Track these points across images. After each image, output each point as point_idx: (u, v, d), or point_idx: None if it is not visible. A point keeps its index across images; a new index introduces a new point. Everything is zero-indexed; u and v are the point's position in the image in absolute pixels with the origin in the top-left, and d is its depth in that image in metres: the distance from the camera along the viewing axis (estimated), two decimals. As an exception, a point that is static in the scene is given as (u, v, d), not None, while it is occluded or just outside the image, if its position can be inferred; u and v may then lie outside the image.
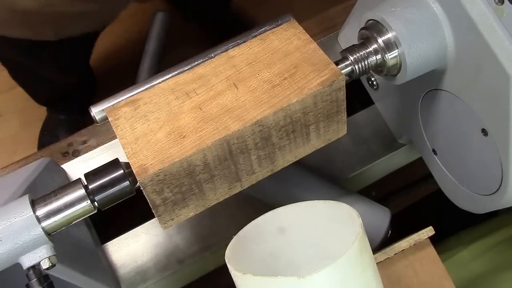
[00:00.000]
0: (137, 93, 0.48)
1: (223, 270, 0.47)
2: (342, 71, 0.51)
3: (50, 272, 0.46)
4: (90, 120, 0.48)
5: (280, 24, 0.50)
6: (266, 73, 0.47)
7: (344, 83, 0.47)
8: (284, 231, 0.52)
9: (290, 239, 0.52)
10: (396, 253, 0.58)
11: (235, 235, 0.50)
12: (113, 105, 0.47)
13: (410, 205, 0.90)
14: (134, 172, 0.43)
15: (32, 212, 0.44)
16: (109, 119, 0.46)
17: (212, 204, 0.49)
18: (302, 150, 0.50)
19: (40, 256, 0.44)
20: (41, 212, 0.44)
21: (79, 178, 0.46)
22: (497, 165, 0.51)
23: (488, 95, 0.48)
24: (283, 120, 0.45)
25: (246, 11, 1.45)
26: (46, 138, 1.35)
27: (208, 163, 0.44)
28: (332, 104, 0.47)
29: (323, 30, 0.78)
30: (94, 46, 1.16)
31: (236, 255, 0.47)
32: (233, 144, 0.44)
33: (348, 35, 0.73)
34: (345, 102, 0.48)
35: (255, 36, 0.50)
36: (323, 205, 0.51)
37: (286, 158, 0.50)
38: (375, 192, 0.78)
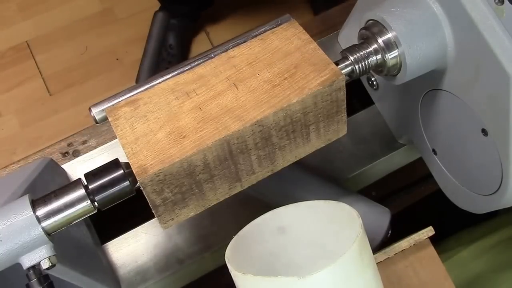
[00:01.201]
0: (137, 93, 0.48)
1: (223, 270, 0.47)
2: (342, 71, 0.51)
3: (50, 272, 0.46)
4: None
5: (280, 24, 0.50)
6: (266, 73, 0.47)
7: (344, 83, 0.47)
8: (284, 231, 0.52)
9: (290, 239, 0.52)
10: (396, 253, 0.58)
11: (235, 235, 0.50)
12: (113, 105, 0.47)
13: (410, 205, 0.90)
14: (134, 172, 0.43)
15: (32, 212, 0.44)
16: (109, 119, 0.46)
17: (212, 204, 0.49)
18: (302, 150, 0.50)
19: (40, 256, 0.44)
20: (41, 212, 0.44)
21: (79, 178, 0.46)
22: (497, 165, 0.51)
23: (488, 95, 0.48)
24: (283, 120, 0.45)
25: (246, 11, 1.45)
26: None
27: (208, 163, 0.44)
28: (332, 104, 0.47)
29: (323, 30, 0.79)
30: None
31: (236, 255, 0.47)
32: (233, 144, 0.44)
33: (348, 35, 0.73)
34: (345, 102, 0.48)
35: (255, 36, 0.50)
36: (323, 205, 0.51)
37: (286, 158, 0.50)
38: (375, 192, 0.78)
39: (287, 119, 0.46)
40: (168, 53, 1.34)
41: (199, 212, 0.48)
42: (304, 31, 0.49)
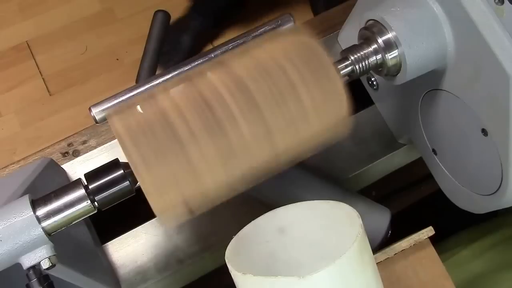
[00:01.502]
0: (137, 93, 0.48)
1: (223, 270, 0.47)
2: (342, 71, 0.51)
3: (50, 272, 0.46)
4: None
5: (281, 24, 0.50)
6: None
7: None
8: (284, 231, 0.52)
9: (290, 239, 0.52)
10: (396, 253, 0.58)
11: (235, 235, 0.50)
12: (113, 105, 0.47)
13: (410, 205, 0.90)
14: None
15: (32, 212, 0.44)
16: (109, 120, 0.46)
17: (208, 183, 0.45)
18: (302, 127, 0.46)
19: (40, 256, 0.44)
20: (41, 212, 0.44)
21: (79, 178, 0.46)
22: (497, 165, 0.51)
23: (488, 95, 0.48)
24: (253, 67, 0.45)
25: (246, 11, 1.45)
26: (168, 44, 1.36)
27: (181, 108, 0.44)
28: (306, 51, 0.46)
29: (323, 30, 0.78)
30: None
31: (236, 255, 0.47)
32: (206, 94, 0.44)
33: (348, 35, 0.72)
34: (328, 58, 0.46)
35: (255, 36, 0.50)
36: (323, 205, 0.51)
37: (280, 126, 0.45)
38: (375, 192, 0.78)
39: (258, 66, 0.45)
40: (177, 51, 1.34)
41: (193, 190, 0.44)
42: None
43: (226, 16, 1.37)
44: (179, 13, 1.43)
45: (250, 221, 0.51)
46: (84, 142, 0.73)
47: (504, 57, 0.45)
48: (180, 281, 0.70)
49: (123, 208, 0.52)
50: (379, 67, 0.52)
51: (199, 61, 0.49)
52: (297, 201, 0.52)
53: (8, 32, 1.48)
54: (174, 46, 1.36)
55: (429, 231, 0.59)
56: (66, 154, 0.72)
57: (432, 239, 0.59)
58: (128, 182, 0.45)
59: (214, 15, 1.35)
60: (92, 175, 0.46)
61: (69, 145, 0.73)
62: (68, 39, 1.46)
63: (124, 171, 0.45)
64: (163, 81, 0.48)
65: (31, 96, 1.41)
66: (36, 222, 0.44)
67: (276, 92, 0.45)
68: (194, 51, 1.36)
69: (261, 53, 0.47)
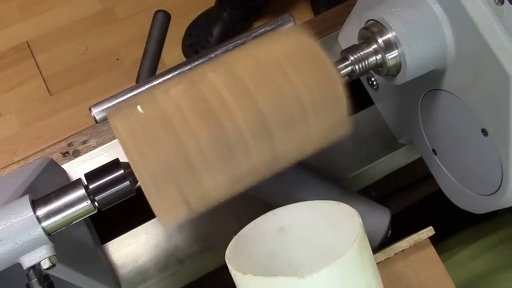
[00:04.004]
0: (137, 93, 0.48)
1: (223, 270, 0.47)
2: (342, 71, 0.51)
3: (50, 272, 0.46)
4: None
5: (281, 24, 0.50)
6: None
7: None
8: (284, 231, 0.52)
9: (290, 239, 0.52)
10: (396, 253, 0.58)
11: (235, 235, 0.50)
12: (113, 105, 0.47)
13: (410, 205, 0.90)
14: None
15: (32, 212, 0.44)
16: (110, 119, 0.46)
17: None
18: (302, 128, 0.46)
19: (40, 256, 0.44)
20: (41, 212, 0.44)
21: (79, 178, 0.46)
22: (497, 165, 0.51)
23: (488, 95, 0.48)
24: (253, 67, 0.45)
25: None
26: (196, 29, 1.39)
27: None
28: (306, 51, 0.46)
29: (323, 30, 0.78)
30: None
31: (236, 255, 0.47)
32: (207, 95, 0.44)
33: (348, 35, 0.73)
34: (328, 58, 0.46)
35: (256, 36, 0.50)
36: (323, 205, 0.51)
37: (280, 127, 0.45)
38: (375, 192, 0.78)
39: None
40: (208, 41, 1.34)
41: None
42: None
43: (255, 9, 1.36)
44: (179, 13, 1.44)
45: (250, 221, 0.51)
46: (84, 142, 0.73)
47: (504, 57, 0.45)
48: (180, 281, 0.70)
49: (123, 208, 0.52)
50: (379, 67, 0.52)
51: (199, 61, 0.49)
52: (297, 201, 0.52)
53: (8, 32, 1.48)
54: (202, 38, 1.36)
55: (429, 231, 0.59)
56: (66, 154, 0.72)
57: (432, 239, 0.59)
58: (128, 182, 0.45)
59: (243, 8, 1.35)
60: (92, 175, 0.46)
61: (69, 145, 0.73)
62: (68, 39, 1.46)
63: (124, 171, 0.45)
64: (163, 81, 0.48)
65: (31, 96, 1.41)
66: (36, 222, 0.44)
67: (275, 92, 0.45)
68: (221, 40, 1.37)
69: (261, 53, 0.47)
